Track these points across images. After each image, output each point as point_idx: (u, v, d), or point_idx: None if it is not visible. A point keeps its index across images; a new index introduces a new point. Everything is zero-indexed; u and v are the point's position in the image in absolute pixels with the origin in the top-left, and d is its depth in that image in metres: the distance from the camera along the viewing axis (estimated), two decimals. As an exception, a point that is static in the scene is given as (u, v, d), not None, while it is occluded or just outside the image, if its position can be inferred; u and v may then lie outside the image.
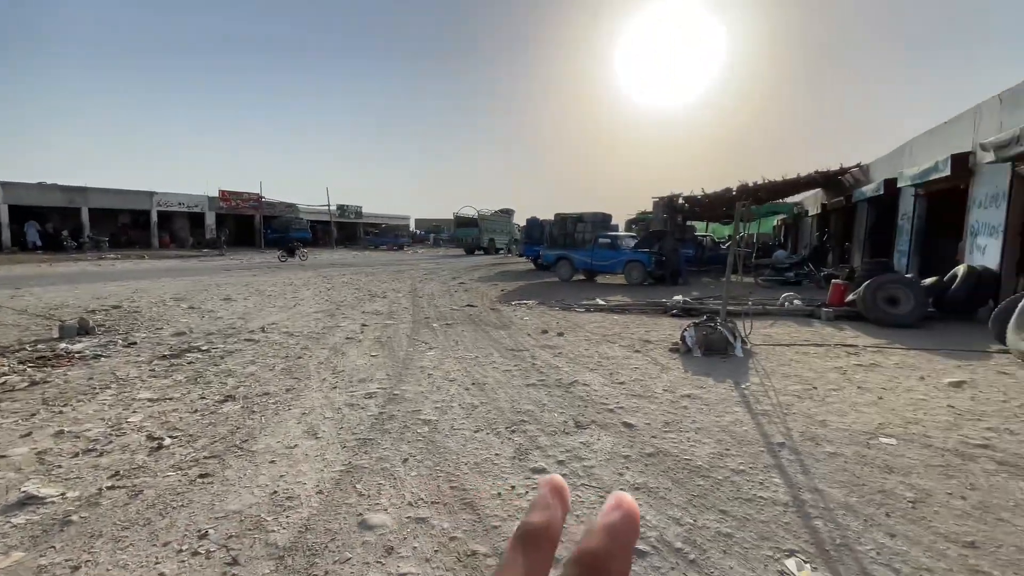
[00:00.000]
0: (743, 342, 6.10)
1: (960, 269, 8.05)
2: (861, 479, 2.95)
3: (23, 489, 2.77)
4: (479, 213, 30.79)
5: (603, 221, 16.69)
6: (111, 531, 2.40)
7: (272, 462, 3.09)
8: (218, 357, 5.62)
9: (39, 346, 6.03)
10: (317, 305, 9.54)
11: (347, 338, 6.67)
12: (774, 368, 5.35)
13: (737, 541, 2.36)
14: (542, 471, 3.06)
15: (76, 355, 5.60)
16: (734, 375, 5.08)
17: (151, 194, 31.03)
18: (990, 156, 7.54)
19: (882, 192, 11.99)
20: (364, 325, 7.57)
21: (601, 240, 14.43)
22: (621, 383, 4.82)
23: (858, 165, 15.22)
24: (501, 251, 30.33)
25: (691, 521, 2.52)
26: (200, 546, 2.27)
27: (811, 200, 21.44)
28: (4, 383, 4.61)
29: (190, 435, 3.51)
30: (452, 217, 33.45)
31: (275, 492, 2.74)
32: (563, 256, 15.21)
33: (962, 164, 8.68)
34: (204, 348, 6.00)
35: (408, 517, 2.54)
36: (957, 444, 3.39)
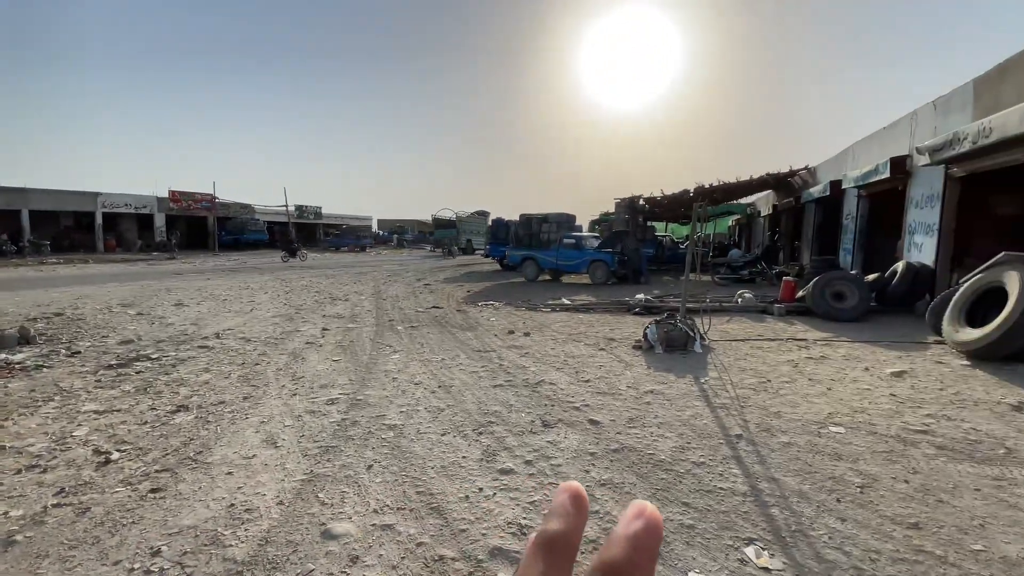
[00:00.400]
0: (702, 338, 6.30)
1: (899, 265, 8.57)
2: (813, 467, 3.09)
3: (-48, 513, 2.57)
4: (456, 215, 32.89)
5: (567, 221, 16.87)
6: (58, 551, 2.25)
7: (229, 473, 2.98)
8: (169, 365, 5.36)
9: (-33, 358, 5.59)
10: (275, 309, 9.25)
11: (307, 343, 6.49)
12: (731, 362, 5.54)
13: (699, 532, 2.44)
14: (510, 472, 3.07)
15: (16, 366, 5.22)
16: (694, 370, 5.23)
17: (96, 195, 29.30)
18: (925, 159, 8.06)
19: (828, 193, 12.62)
20: (325, 329, 7.39)
21: (566, 240, 14.59)
22: (587, 381, 4.89)
23: (806, 167, 15.98)
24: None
25: (655, 514, 2.58)
26: (153, 564, 2.16)
27: (763, 201, 22.37)
28: (-73, 399, 4.26)
29: (140, 448, 3.33)
30: (430, 219, 35.71)
31: (232, 505, 2.63)
32: (529, 256, 15.29)
33: (900, 167, 9.24)
34: (154, 356, 5.71)
35: (373, 524, 2.49)
36: (899, 431, 3.60)
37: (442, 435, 3.59)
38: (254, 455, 3.22)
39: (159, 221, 32.74)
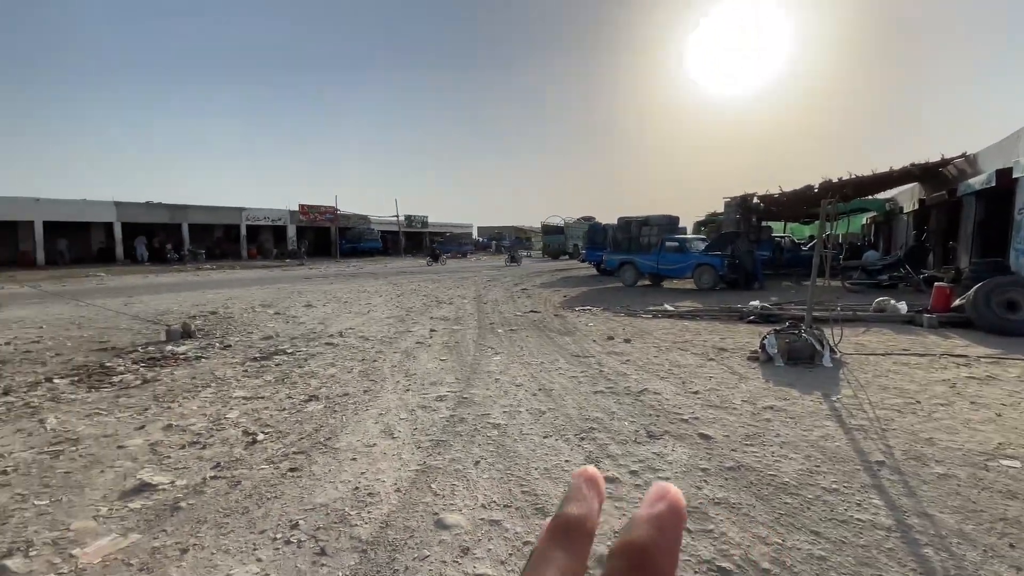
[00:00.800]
0: (832, 351, 5.66)
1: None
2: (978, 505, 2.63)
3: (138, 476, 3.10)
4: (564, 222, 35.64)
5: (670, 224, 16.13)
6: (214, 517, 2.62)
7: (354, 459, 3.25)
8: (302, 359, 6.01)
9: (149, 348, 6.73)
10: (388, 311, 9.96)
11: (417, 343, 6.90)
12: (869, 380, 4.91)
13: (832, 565, 2.18)
14: (614, 480, 2.99)
15: (181, 356, 6.20)
16: (822, 386, 4.71)
17: (241, 210, 33.89)
18: None
19: (994, 184, 10.69)
20: (433, 330, 7.80)
21: (668, 243, 13.97)
22: (695, 393, 4.62)
23: (963, 155, 13.70)
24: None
25: (779, 541, 2.36)
26: (292, 535, 2.43)
27: (906, 195, 19.54)
28: (121, 381, 5.19)
29: (280, 431, 3.77)
30: (539, 225, 39.68)
31: (357, 488, 2.87)
32: (627, 261, 14.88)
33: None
34: (289, 351, 6.43)
35: (482, 519, 2.57)
36: (1102, 470, 2.93)
37: (544, 438, 3.61)
38: (374, 444, 3.49)
39: (291, 232, 37.00)
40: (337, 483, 2.95)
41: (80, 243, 29.09)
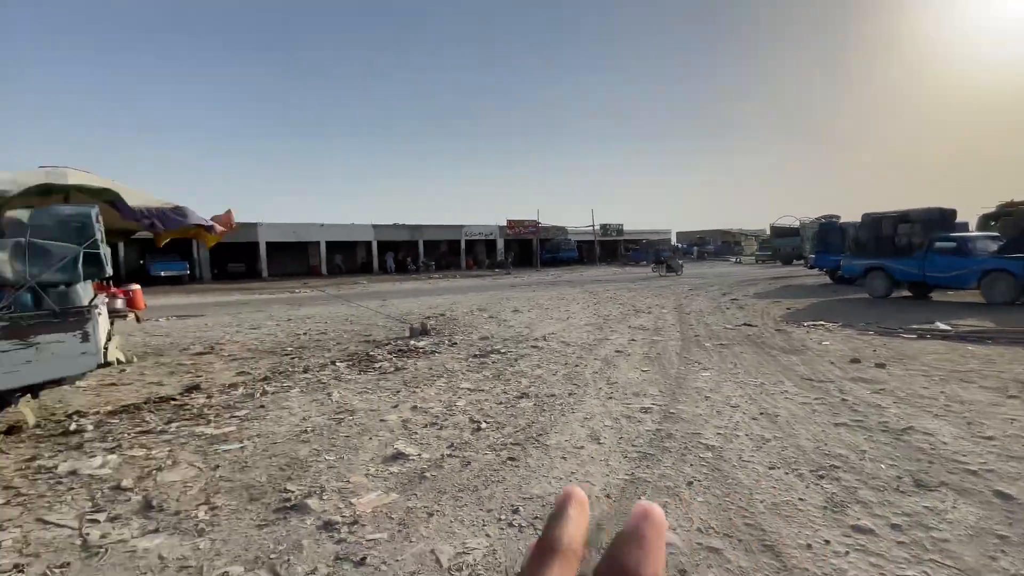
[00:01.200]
0: None
1: None
2: None
3: (395, 446, 3.77)
4: (800, 222, 30.34)
5: (940, 219, 12.62)
6: (451, 490, 3.03)
7: (563, 458, 3.40)
8: (512, 359, 6.54)
9: (398, 342, 8.17)
10: (586, 318, 10.16)
11: (616, 351, 6.86)
12: None
13: None
14: (868, 532, 2.47)
15: (421, 350, 7.37)
16: None
17: (461, 227, 38.94)
18: None
19: None
20: (632, 340, 7.67)
21: (939, 244, 11.01)
22: (988, 438, 3.54)
23: None
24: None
25: None
26: (513, 519, 2.65)
27: None
28: (380, 367, 6.41)
29: (499, 423, 4.17)
30: (768, 228, 36.39)
31: (568, 487, 2.99)
32: (875, 266, 12.23)
33: None
34: (502, 351, 7.08)
35: (699, 544, 2.40)
36: None
37: (770, 468, 3.19)
38: (582, 447, 3.59)
39: (500, 244, 40.93)
40: (550, 478, 3.11)
41: (349, 257, 37.21)
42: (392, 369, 6.25)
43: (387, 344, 8.00)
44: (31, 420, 4.59)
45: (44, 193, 5.33)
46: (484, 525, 2.62)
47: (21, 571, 2.43)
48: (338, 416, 4.54)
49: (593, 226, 44.21)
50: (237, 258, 31.12)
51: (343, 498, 3.01)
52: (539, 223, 41.00)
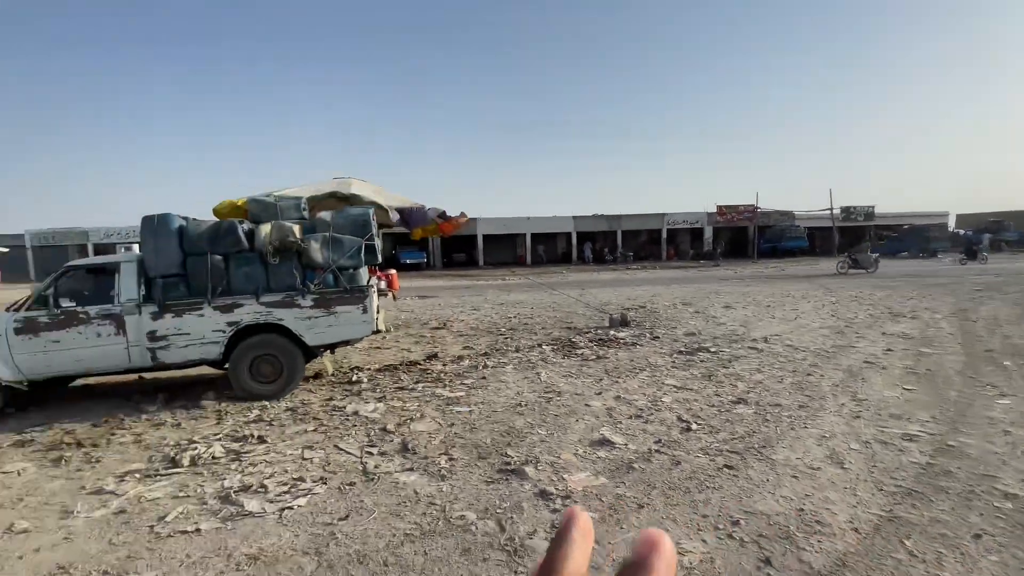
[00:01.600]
0: None
1: None
2: None
3: (601, 432, 3.84)
4: None
5: None
6: (660, 487, 2.96)
7: (794, 477, 2.99)
8: (725, 360, 6.01)
9: (598, 331, 8.28)
10: (821, 320, 8.68)
11: (866, 362, 5.70)
12: None
13: None
14: None
15: (621, 341, 7.34)
16: None
17: (663, 215, 37.20)
18: None
19: None
20: (888, 350, 6.27)
21: None
22: None
23: None
24: None
25: None
26: (733, 531, 2.46)
27: None
28: (582, 354, 6.59)
29: (711, 426, 3.89)
30: None
31: (802, 510, 2.62)
32: None
33: None
34: (712, 350, 6.57)
35: (999, 620, 1.86)
36: None
37: None
38: (818, 468, 3.11)
39: (707, 233, 37.80)
40: (777, 496, 2.78)
41: (550, 248, 39.08)
42: (593, 357, 6.38)
43: (587, 332, 8.18)
44: (329, 369, 6.09)
45: (334, 197, 6.93)
46: (699, 530, 2.49)
47: (325, 481, 3.24)
48: (547, 395, 4.84)
49: (831, 208, 37.29)
50: (461, 249, 35.66)
51: (555, 471, 3.21)
52: (757, 207, 36.47)
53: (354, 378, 5.71)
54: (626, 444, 3.60)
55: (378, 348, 7.52)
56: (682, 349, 6.66)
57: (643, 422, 4.05)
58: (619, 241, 36.77)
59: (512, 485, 3.05)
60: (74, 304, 4.80)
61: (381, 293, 6.47)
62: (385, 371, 6.04)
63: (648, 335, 7.76)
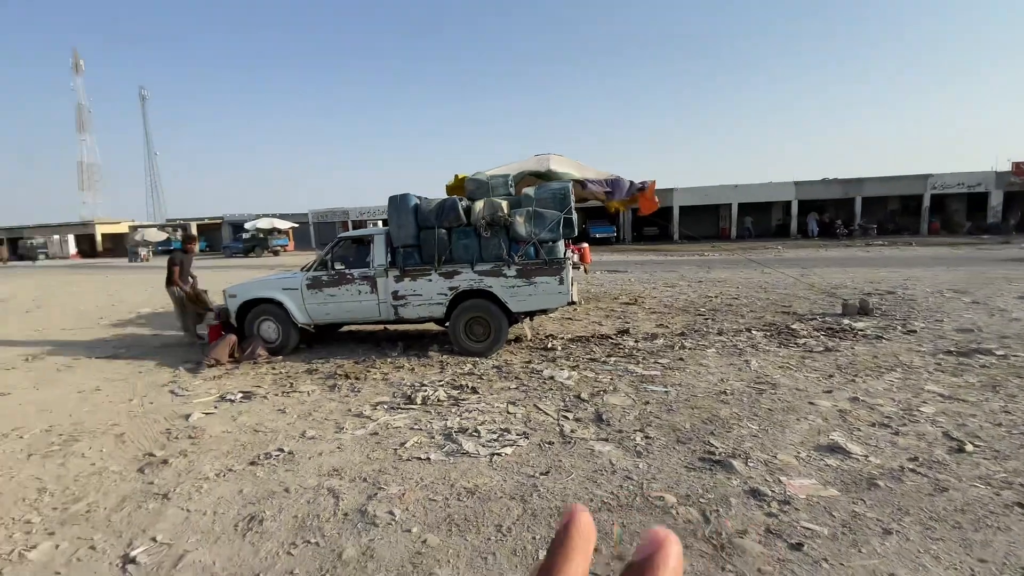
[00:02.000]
0: None
1: None
2: None
3: (831, 436, 3.27)
4: None
5: None
6: (916, 514, 2.39)
7: None
8: (1019, 368, 4.52)
9: (826, 319, 7.03)
10: None
11: None
12: None
13: None
14: None
15: (859, 332, 6.11)
16: None
17: (926, 177, 29.29)
18: None
19: None
20: None
21: None
22: None
23: None
24: None
25: None
26: (1036, 595, 1.85)
27: None
28: (804, 344, 5.69)
29: (995, 451, 2.98)
30: None
31: None
32: None
33: None
34: (998, 352, 5.00)
35: None
36: None
37: None
38: None
39: (994, 200, 28.54)
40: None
41: (762, 220, 34.43)
42: (820, 348, 5.45)
43: (811, 319, 7.02)
44: (529, 335, 6.53)
45: (534, 174, 7.22)
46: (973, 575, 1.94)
47: (527, 436, 3.49)
48: (758, 386, 4.34)
49: None
50: (652, 223, 34.07)
51: (770, 472, 2.87)
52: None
53: (549, 345, 6.00)
54: (866, 456, 3.00)
55: (570, 319, 7.73)
56: (952, 349, 5.23)
57: (891, 432, 3.32)
58: (858, 210, 30.37)
59: (717, 476, 2.83)
60: (344, 267, 6.07)
61: (574, 266, 6.61)
62: (577, 342, 6.19)
63: (900, 328, 6.30)
